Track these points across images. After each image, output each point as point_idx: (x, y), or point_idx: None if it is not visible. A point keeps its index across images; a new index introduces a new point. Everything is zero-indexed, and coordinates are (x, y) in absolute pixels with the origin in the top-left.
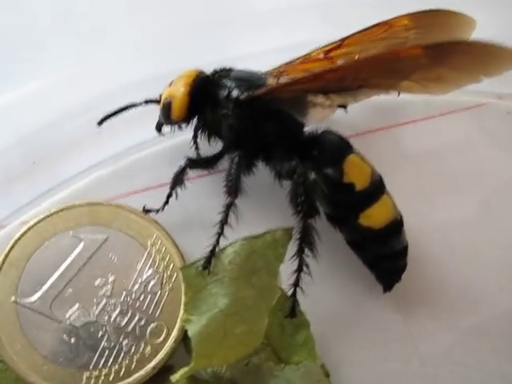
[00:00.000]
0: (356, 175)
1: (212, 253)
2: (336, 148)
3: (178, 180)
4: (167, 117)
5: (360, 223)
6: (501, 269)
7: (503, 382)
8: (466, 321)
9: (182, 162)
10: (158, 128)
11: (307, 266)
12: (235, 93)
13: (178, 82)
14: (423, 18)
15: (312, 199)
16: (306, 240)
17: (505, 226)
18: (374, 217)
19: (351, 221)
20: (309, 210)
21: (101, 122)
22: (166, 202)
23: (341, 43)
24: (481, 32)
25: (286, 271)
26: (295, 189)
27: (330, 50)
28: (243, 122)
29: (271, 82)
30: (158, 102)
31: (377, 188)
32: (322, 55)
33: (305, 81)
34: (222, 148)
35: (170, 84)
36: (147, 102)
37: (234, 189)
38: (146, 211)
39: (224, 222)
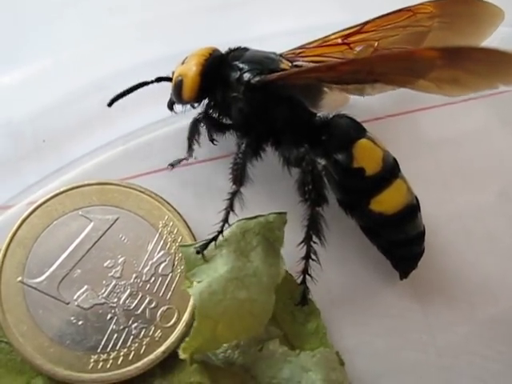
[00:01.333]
0: (366, 160)
1: (214, 239)
2: (345, 132)
3: (193, 131)
4: (178, 96)
5: (371, 209)
6: None
7: None
8: (484, 311)
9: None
10: (170, 106)
11: (315, 254)
12: (247, 76)
13: (191, 60)
14: (449, 6)
15: (320, 187)
16: (314, 228)
17: None
18: (385, 202)
19: (362, 206)
20: (316, 198)
21: (112, 103)
22: (189, 153)
23: (360, 28)
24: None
25: (295, 258)
26: (303, 177)
27: (348, 35)
28: (253, 105)
29: (285, 66)
30: (170, 79)
31: (389, 173)
32: (340, 40)
33: (318, 71)
34: (232, 123)
35: (183, 62)
36: (159, 79)
37: (239, 178)
38: (172, 165)
39: (229, 210)
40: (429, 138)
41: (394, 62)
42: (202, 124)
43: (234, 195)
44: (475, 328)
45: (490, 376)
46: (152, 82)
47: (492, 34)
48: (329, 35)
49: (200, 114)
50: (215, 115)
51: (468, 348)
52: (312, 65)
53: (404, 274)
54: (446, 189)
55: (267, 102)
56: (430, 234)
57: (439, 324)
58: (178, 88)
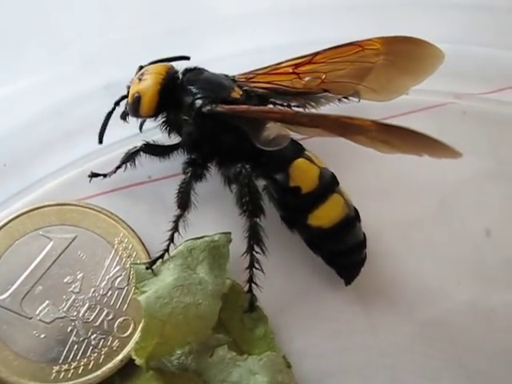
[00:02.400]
0: (302, 179)
1: (160, 257)
2: (282, 154)
3: (129, 157)
4: (135, 111)
5: (309, 224)
6: (458, 263)
7: (461, 369)
8: (424, 313)
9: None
10: (124, 117)
11: (258, 263)
12: (198, 103)
13: (149, 78)
14: (394, 44)
15: (256, 199)
16: (254, 238)
17: (461, 223)
18: (322, 217)
19: (301, 222)
20: (253, 209)
21: (100, 140)
22: (114, 172)
23: (311, 59)
24: None
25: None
26: (240, 190)
27: (299, 65)
28: (202, 130)
29: (236, 94)
30: (125, 97)
31: (325, 189)
32: (290, 69)
33: (263, 112)
34: (179, 142)
35: (140, 78)
36: (117, 103)
37: (184, 203)
38: (93, 175)
39: (174, 231)
40: (369, 150)
41: (336, 122)
42: (143, 153)
43: (178, 218)
44: (416, 329)
45: (432, 372)
46: (113, 109)
47: (432, 73)
48: (280, 63)
49: (143, 144)
50: (166, 131)
51: (410, 347)
52: (258, 107)
53: (348, 281)
54: (387, 198)
55: (215, 128)
56: (372, 242)
57: (382, 326)
58: (136, 104)
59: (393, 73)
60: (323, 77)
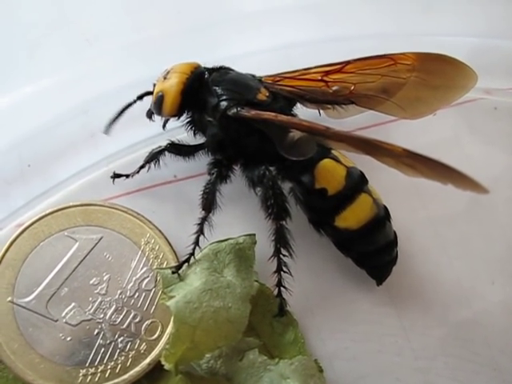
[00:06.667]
0: (328, 180)
1: (186, 261)
2: None
3: (153, 157)
4: (159, 110)
5: (336, 225)
6: (491, 262)
7: (496, 372)
8: (458, 314)
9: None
10: (149, 115)
11: (286, 266)
12: (224, 105)
13: (173, 76)
14: (428, 61)
15: (281, 201)
16: (280, 241)
17: (494, 220)
18: (350, 218)
19: (329, 224)
20: (279, 212)
21: (106, 130)
22: (137, 172)
23: (341, 67)
24: None
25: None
26: (265, 193)
27: (328, 72)
28: (226, 132)
29: (262, 96)
30: (150, 93)
31: (352, 189)
32: (319, 76)
33: (291, 123)
34: (204, 143)
35: (165, 76)
36: (140, 97)
37: (208, 205)
38: (116, 176)
39: (199, 233)
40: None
41: (367, 144)
42: (167, 153)
43: (203, 220)
44: (450, 330)
45: (466, 376)
46: (135, 101)
47: (462, 96)
48: (309, 68)
49: (167, 144)
50: (191, 131)
51: (443, 350)
52: (286, 117)
53: (379, 281)
54: (418, 196)
55: (240, 131)
56: (404, 241)
57: (414, 328)
58: (159, 103)
59: (423, 92)
60: (352, 88)
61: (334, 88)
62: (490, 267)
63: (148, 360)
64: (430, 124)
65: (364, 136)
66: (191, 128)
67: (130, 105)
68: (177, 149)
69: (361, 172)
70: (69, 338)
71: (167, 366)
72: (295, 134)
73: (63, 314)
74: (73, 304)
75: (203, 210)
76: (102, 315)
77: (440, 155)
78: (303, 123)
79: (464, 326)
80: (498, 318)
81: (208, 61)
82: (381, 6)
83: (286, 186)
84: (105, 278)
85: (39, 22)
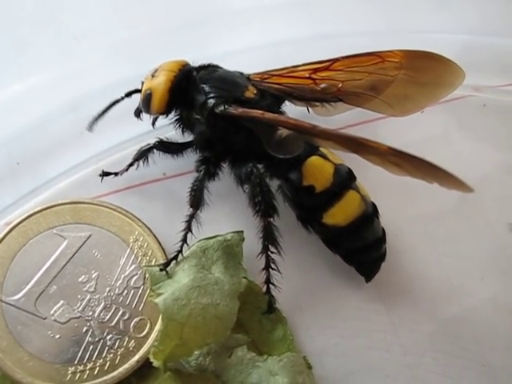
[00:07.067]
0: (315, 177)
1: (174, 258)
2: None
3: (142, 155)
4: (147, 108)
5: (325, 222)
6: (480, 259)
7: (485, 368)
8: (447, 310)
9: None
10: (137, 114)
11: (274, 263)
12: (211, 103)
13: (161, 74)
14: (416, 59)
15: (269, 198)
16: (269, 238)
17: (483, 217)
18: (338, 215)
19: (316, 221)
20: (267, 209)
21: (90, 127)
22: (126, 170)
23: (329, 65)
24: None
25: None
26: (252, 190)
27: (316, 70)
28: (214, 130)
29: (250, 93)
30: (138, 91)
31: (340, 186)
32: (307, 73)
33: (278, 121)
34: (192, 140)
35: (153, 74)
36: (128, 94)
37: (196, 202)
38: (105, 174)
39: (187, 231)
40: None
41: (353, 142)
42: (156, 150)
43: (191, 217)
44: (439, 327)
45: (455, 372)
46: (122, 98)
47: (450, 93)
48: (297, 66)
49: (156, 141)
50: (179, 129)
51: (432, 346)
52: (273, 115)
53: (368, 278)
54: (407, 193)
55: (228, 128)
56: (393, 238)
57: (404, 324)
58: (147, 101)
59: (411, 89)
60: (339, 85)
61: (322, 85)
62: (479, 264)
63: (137, 357)
64: (419, 121)
65: (350, 134)
66: (179, 126)
67: (116, 101)
68: (165, 146)
69: (349, 169)
70: (57, 336)
71: (156, 363)
72: (283, 132)
73: (52, 312)
74: (61, 302)
75: (191, 207)
76: (90, 313)
77: (429, 152)
78: (290, 121)
79: (453, 323)
80: (488, 314)
81: (197, 58)
82: (371, 4)
83: (273, 184)
84: (93, 276)
85: (28, 20)
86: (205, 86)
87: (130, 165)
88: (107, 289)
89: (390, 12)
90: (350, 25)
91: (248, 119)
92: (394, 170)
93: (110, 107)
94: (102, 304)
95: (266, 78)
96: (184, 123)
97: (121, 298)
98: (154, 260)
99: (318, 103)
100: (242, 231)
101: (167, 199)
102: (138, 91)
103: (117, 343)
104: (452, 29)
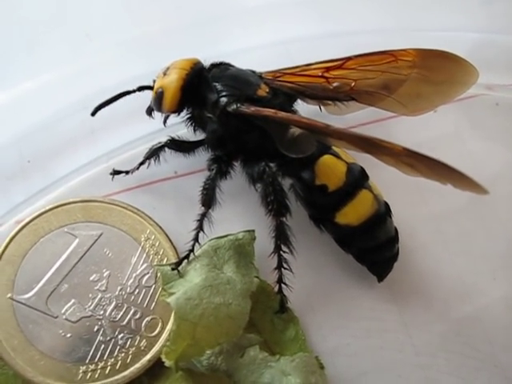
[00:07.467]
0: (328, 176)
1: (185, 257)
2: None
3: (153, 153)
4: (159, 106)
5: (337, 222)
6: (493, 258)
7: (497, 369)
8: (459, 310)
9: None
10: (149, 112)
11: (287, 262)
12: (223, 101)
13: (173, 72)
14: (429, 58)
15: (281, 198)
16: (281, 238)
17: (496, 216)
18: (350, 214)
19: (329, 220)
20: (279, 208)
21: (95, 112)
22: (137, 168)
23: (342, 63)
24: None
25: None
26: (265, 189)
27: (329, 68)
28: (226, 129)
29: (262, 91)
30: (151, 88)
31: (353, 185)
32: (320, 72)
33: (290, 120)
34: (204, 139)
35: (165, 72)
36: (140, 88)
37: (208, 201)
38: (115, 172)
39: (199, 230)
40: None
41: (367, 142)
42: (167, 149)
43: (203, 216)
44: (451, 327)
45: (467, 372)
46: (134, 91)
47: (463, 93)
48: (310, 64)
49: (167, 140)
50: (191, 127)
51: (445, 346)
52: (286, 114)
53: (380, 278)
54: (419, 192)
55: (240, 127)
56: (405, 237)
57: (416, 324)
58: (159, 99)
59: (424, 88)
60: (352, 84)
61: (335, 84)
62: (491, 263)
63: (148, 357)
64: (431, 120)
65: (364, 134)
66: (191, 124)
67: (127, 93)
68: (177, 145)
69: (361, 168)
70: (69, 335)
71: (168, 362)
72: (295, 131)
73: (63, 311)
74: (73, 300)
75: (203, 205)
76: (101, 312)
77: (441, 151)
78: (302, 120)
79: (465, 322)
80: (500, 314)
81: (208, 56)
82: (381, 2)
83: (286, 183)
84: (105, 275)
85: (39, 17)
86: (217, 84)
87: (141, 163)
88: (119, 288)
89: (399, 10)
90: (360, 23)
91: (260, 118)
92: (408, 171)
93: (120, 97)
94: (114, 303)
95: (278, 77)
96: (196, 121)
97: (132, 297)
98: (165, 259)
99: (330, 102)
100: (254, 230)
101: (179, 198)
102: (150, 88)
103: (128, 342)
104: (463, 27)
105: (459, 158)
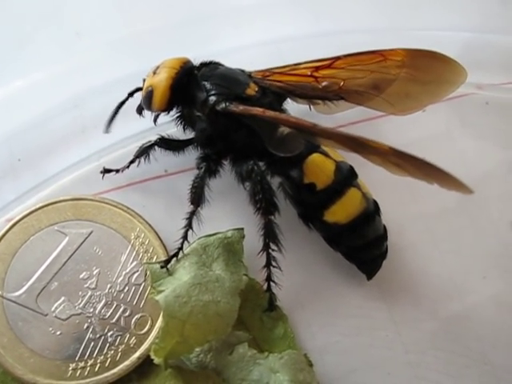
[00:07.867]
0: (317, 174)
1: (175, 255)
2: None
3: (143, 152)
4: (148, 105)
5: (326, 220)
6: (483, 256)
7: (487, 367)
8: (449, 308)
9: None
10: (139, 111)
11: (275, 260)
12: (212, 100)
13: (163, 71)
14: (418, 58)
15: (270, 196)
16: (269, 236)
17: (486, 215)
18: (339, 212)
19: (317, 218)
20: (268, 207)
21: (107, 130)
22: (127, 167)
23: (331, 63)
24: None
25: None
26: (253, 187)
27: (318, 68)
28: (215, 127)
29: (251, 91)
30: (140, 89)
31: (342, 183)
32: (309, 71)
33: (278, 119)
34: (193, 138)
35: (155, 71)
36: (130, 94)
37: (197, 199)
38: (106, 171)
39: (188, 228)
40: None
41: (354, 141)
42: (157, 147)
43: (192, 214)
44: (441, 325)
45: (457, 370)
46: (126, 99)
47: (452, 92)
48: (299, 63)
49: (157, 138)
50: (181, 126)
51: (434, 344)
52: (274, 113)
53: (369, 276)
54: (408, 190)
55: (228, 126)
56: (394, 235)
57: (405, 322)
58: (149, 98)
59: (413, 88)
60: (341, 83)
61: (324, 83)
62: (481, 262)
63: (137, 354)
64: (421, 119)
65: (351, 134)
66: (181, 123)
67: (123, 102)
68: (167, 143)
69: (350, 166)
70: (58, 333)
71: (157, 360)
72: (284, 130)
73: (53, 309)
74: (62, 298)
75: (192, 204)
76: (91, 309)
77: (431, 150)
78: (290, 119)
79: (455, 321)
80: (489, 312)
81: (199, 55)
82: (372, 1)
83: (275, 181)
84: (94, 273)
85: (29, 16)
86: (206, 83)
87: (132, 162)
88: (108, 285)
89: (391, 9)
90: (352, 22)
91: (249, 117)
92: (395, 170)
93: (119, 108)
94: (103, 301)
95: (267, 76)
96: (185, 120)
97: (122, 295)
98: (155, 257)
99: (319, 101)
100: (243, 228)
101: (168, 196)
102: (140, 89)
103: (118, 340)
104: (454, 26)
105: (449, 157)
